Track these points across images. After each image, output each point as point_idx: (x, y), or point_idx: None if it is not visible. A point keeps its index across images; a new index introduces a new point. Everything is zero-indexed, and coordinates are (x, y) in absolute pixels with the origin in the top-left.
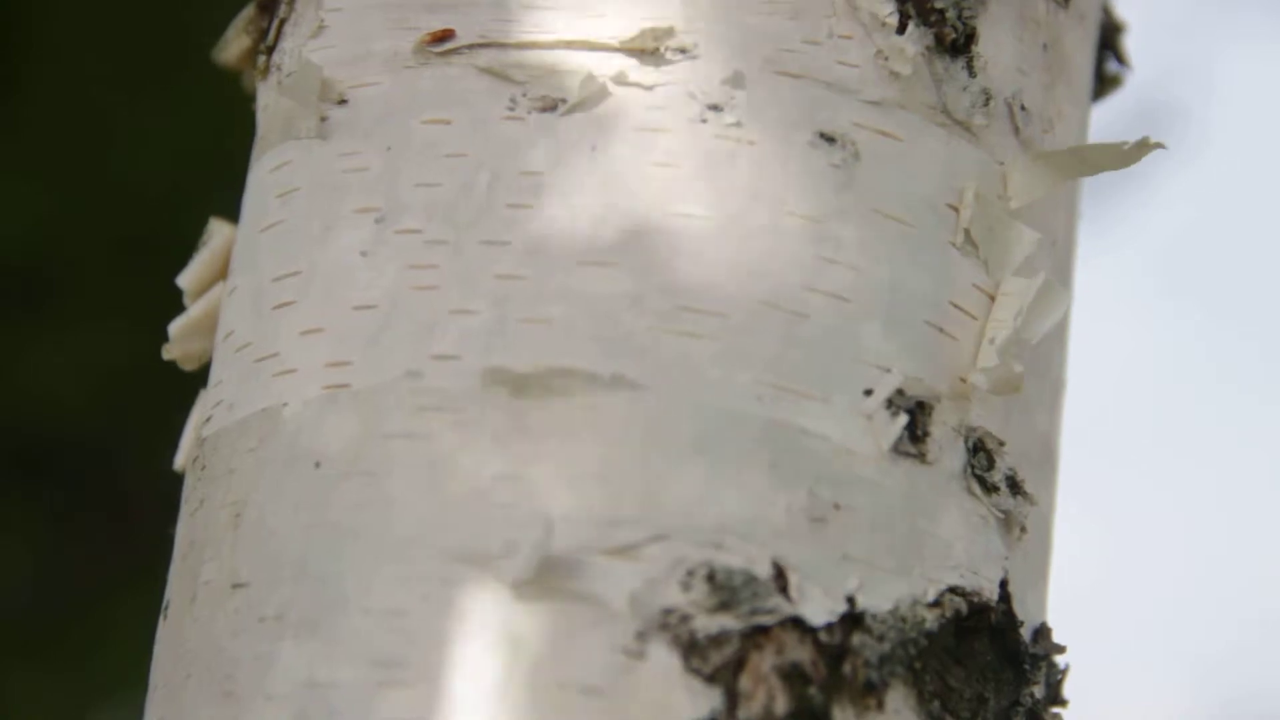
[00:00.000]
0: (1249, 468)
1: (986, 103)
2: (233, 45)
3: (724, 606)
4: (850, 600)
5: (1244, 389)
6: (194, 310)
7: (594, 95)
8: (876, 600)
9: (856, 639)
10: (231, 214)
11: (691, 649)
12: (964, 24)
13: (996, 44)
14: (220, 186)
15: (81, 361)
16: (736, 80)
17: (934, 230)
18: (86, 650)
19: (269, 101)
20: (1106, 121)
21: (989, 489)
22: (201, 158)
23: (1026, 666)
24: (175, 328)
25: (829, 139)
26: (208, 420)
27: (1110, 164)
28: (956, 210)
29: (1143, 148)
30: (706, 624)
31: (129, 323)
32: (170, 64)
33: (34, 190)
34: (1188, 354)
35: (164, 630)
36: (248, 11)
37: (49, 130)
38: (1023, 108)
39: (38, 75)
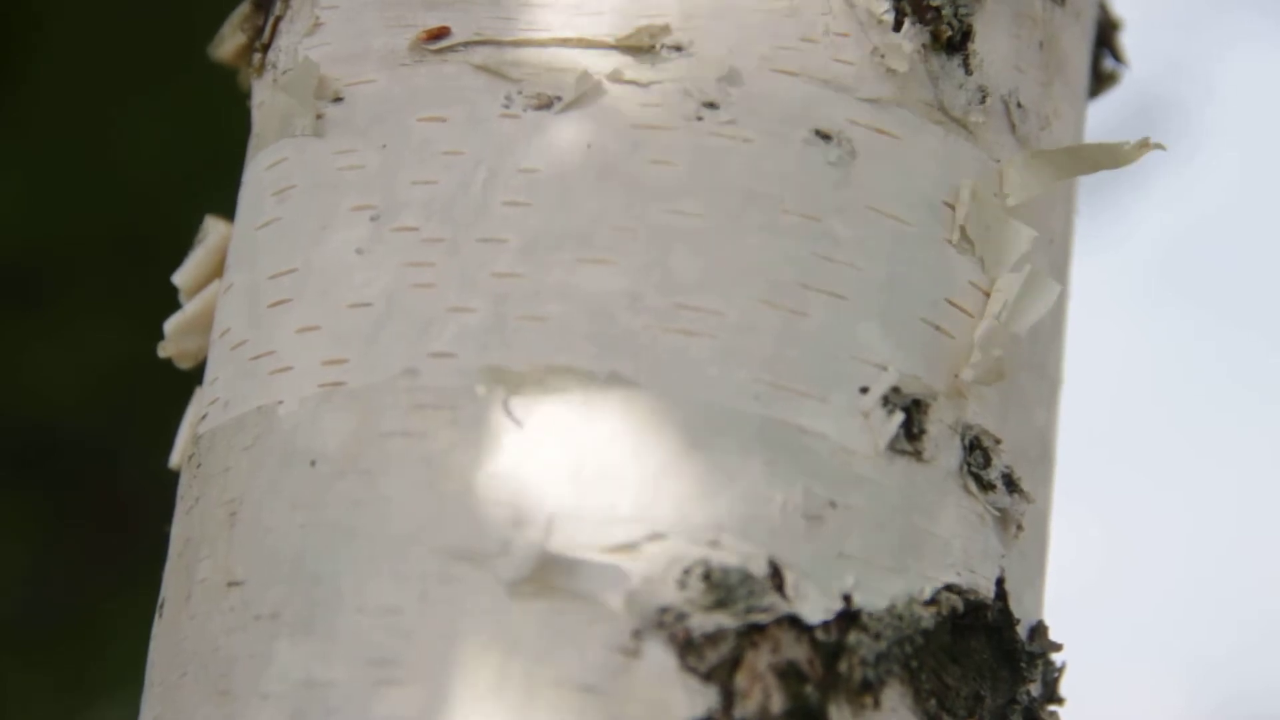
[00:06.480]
0: (1248, 467)
1: (983, 100)
2: (228, 42)
3: (720, 605)
4: (846, 598)
5: (1243, 388)
6: (190, 308)
7: (590, 93)
8: (873, 598)
9: (853, 637)
10: (228, 212)
11: (688, 647)
12: (960, 21)
13: (993, 41)
14: (217, 184)
15: (79, 359)
16: (732, 77)
17: (930, 228)
18: (83, 648)
19: (264, 99)
20: (1104, 119)
21: (985, 487)
22: (199, 155)
23: (1023, 664)
24: (171, 325)
25: (825, 136)
26: (203, 418)
27: (1108, 163)
28: (953, 208)
29: (1141, 148)
30: (703, 622)
31: (126, 320)
32: (169, 62)
33: (32, 188)
34: (1186, 352)
35: (159, 628)
36: (243, 8)
37: (47, 128)
38: (1019, 105)
39: (38, 73)
